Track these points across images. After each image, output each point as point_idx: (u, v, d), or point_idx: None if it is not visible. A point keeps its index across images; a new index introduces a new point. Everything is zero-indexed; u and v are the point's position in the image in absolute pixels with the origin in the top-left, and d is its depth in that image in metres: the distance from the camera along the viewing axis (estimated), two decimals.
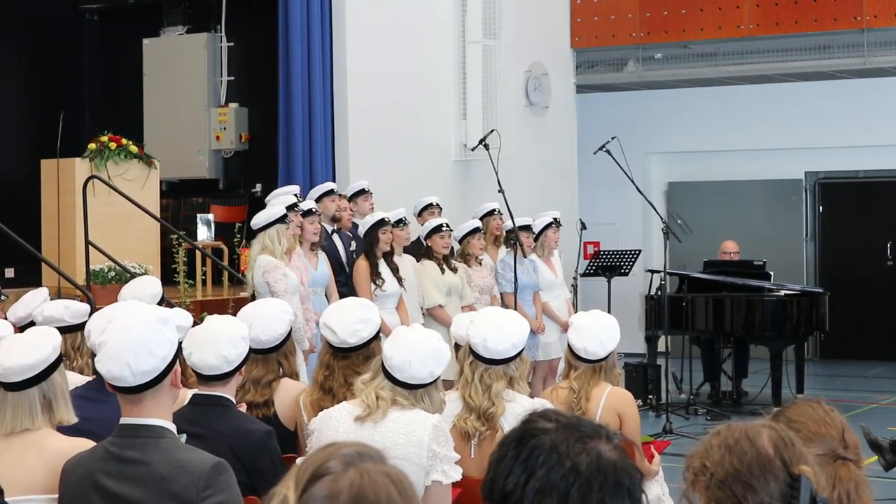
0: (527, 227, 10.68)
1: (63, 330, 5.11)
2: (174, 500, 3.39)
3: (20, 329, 6.15)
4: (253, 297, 8.29)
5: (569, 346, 5.47)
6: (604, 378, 5.42)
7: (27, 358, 3.91)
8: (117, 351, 3.47)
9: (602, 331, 5.40)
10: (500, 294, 10.43)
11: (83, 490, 3.52)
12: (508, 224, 10.67)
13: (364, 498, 1.85)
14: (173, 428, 3.56)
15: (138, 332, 3.51)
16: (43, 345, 3.98)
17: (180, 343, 3.70)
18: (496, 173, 10.77)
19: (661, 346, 12.57)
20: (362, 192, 10.49)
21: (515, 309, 8.81)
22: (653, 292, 12.30)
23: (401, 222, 9.84)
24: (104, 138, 11.12)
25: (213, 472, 3.42)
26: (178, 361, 3.60)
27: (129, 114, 13.79)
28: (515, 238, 10.34)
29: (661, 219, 12.22)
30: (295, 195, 9.60)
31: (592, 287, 13.75)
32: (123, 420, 3.53)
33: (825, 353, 15.82)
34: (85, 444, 3.80)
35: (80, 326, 5.58)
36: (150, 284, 6.60)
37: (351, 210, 10.23)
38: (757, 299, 11.97)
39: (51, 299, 6.24)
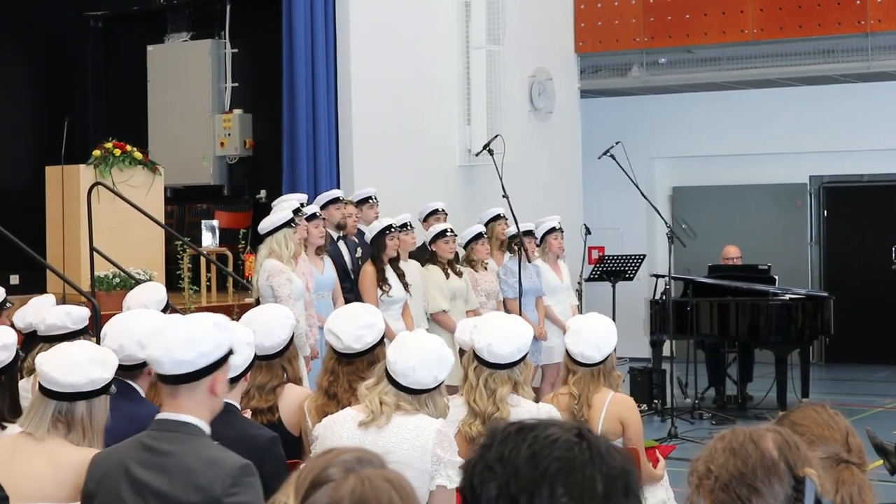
0: (530, 233, 10.68)
1: (66, 336, 5.11)
2: (198, 492, 3.45)
3: (25, 336, 6.16)
4: (258, 302, 8.28)
5: (566, 351, 5.44)
6: (603, 382, 5.39)
7: (67, 376, 3.92)
8: (166, 338, 3.60)
9: (598, 334, 5.35)
10: (503, 300, 10.42)
11: (115, 475, 3.57)
12: (511, 230, 10.66)
13: None
14: (208, 430, 3.62)
15: (189, 327, 3.64)
16: (88, 371, 3.97)
17: (230, 352, 3.72)
18: (500, 178, 10.76)
19: (666, 351, 12.55)
20: (368, 199, 10.48)
21: (520, 314, 8.82)
22: (657, 297, 12.28)
23: (406, 227, 9.83)
24: (109, 145, 11.12)
25: (241, 473, 3.49)
26: (222, 369, 3.66)
27: (134, 120, 13.79)
28: (520, 243, 10.33)
29: (666, 223, 12.22)
30: (301, 203, 9.58)
31: (597, 292, 13.74)
32: (160, 415, 3.63)
33: (830, 357, 15.78)
34: (93, 454, 3.80)
35: (83, 331, 5.59)
36: (155, 291, 6.60)
37: (356, 217, 10.22)
38: (762, 303, 11.95)
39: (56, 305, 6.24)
